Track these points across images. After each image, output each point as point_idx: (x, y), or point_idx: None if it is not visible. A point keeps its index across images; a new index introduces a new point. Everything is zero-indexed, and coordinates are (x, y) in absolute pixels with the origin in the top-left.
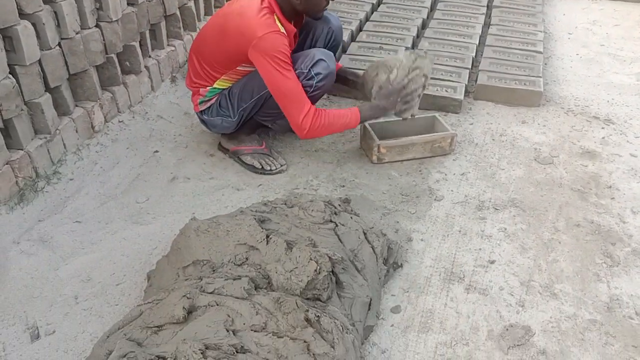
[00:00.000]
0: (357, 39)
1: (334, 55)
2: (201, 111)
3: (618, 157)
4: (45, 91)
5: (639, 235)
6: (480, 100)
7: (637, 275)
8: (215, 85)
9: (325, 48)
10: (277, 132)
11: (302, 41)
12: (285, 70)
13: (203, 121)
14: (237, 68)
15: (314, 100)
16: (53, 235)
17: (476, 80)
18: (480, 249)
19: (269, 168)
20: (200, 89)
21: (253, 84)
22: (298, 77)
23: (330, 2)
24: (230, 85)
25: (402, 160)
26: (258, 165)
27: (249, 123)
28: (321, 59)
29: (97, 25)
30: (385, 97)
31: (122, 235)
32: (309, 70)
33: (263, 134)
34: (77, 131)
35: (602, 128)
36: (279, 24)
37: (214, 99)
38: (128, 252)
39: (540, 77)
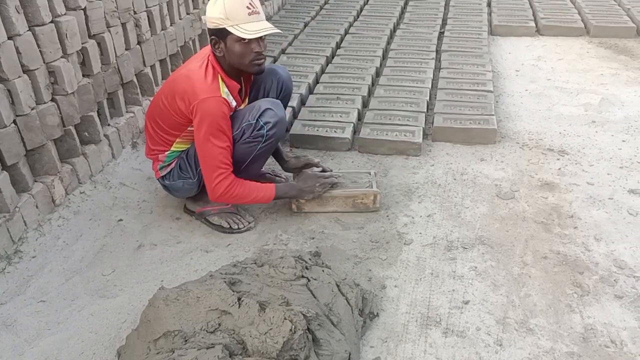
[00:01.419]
0: (314, 91)
1: (285, 104)
2: (162, 177)
3: (576, 186)
4: (1, 169)
5: (605, 263)
6: (438, 141)
7: (608, 303)
8: (172, 149)
9: (277, 98)
10: None
11: (254, 95)
12: (215, 135)
13: (165, 187)
14: (189, 129)
15: (263, 154)
16: (16, 318)
17: (433, 123)
18: (453, 290)
19: (236, 227)
20: (159, 155)
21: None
22: (246, 130)
23: (262, 54)
24: (188, 147)
25: (323, 212)
26: (226, 225)
27: None
28: (268, 108)
29: (52, 99)
30: (303, 180)
31: (89, 311)
32: (257, 120)
33: None
34: (37, 207)
35: (558, 159)
36: (221, 85)
37: (174, 163)
38: (96, 328)
39: (493, 114)
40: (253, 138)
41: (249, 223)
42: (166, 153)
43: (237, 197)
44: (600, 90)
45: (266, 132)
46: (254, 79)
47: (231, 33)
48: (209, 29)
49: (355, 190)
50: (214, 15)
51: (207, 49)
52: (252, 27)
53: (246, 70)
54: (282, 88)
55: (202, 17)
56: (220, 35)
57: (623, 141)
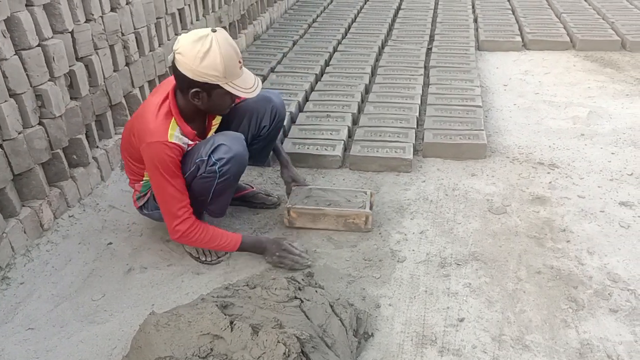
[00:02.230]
0: (304, 109)
1: (278, 130)
2: (140, 207)
3: (567, 199)
4: None
5: (599, 276)
6: (429, 157)
7: (603, 317)
8: (145, 178)
9: (270, 125)
10: (216, 217)
11: (246, 123)
12: (166, 179)
13: (146, 215)
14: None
15: (224, 189)
16: (4, 347)
17: (423, 139)
18: (448, 308)
19: (204, 259)
20: (135, 184)
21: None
22: (200, 165)
23: (234, 102)
24: None
25: (315, 229)
26: (195, 255)
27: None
28: (222, 144)
29: (40, 123)
30: (275, 243)
31: (78, 337)
32: (209, 156)
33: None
34: (25, 232)
35: (548, 173)
36: (172, 130)
37: (149, 193)
38: (86, 355)
39: (482, 129)
40: (207, 174)
41: (219, 257)
42: (141, 182)
43: (198, 242)
44: (588, 103)
45: (218, 168)
46: (244, 105)
47: (223, 89)
48: (188, 78)
49: (347, 210)
50: (207, 71)
51: (171, 82)
52: (245, 84)
53: (216, 114)
54: (276, 115)
55: (175, 54)
56: (205, 88)
57: (612, 153)
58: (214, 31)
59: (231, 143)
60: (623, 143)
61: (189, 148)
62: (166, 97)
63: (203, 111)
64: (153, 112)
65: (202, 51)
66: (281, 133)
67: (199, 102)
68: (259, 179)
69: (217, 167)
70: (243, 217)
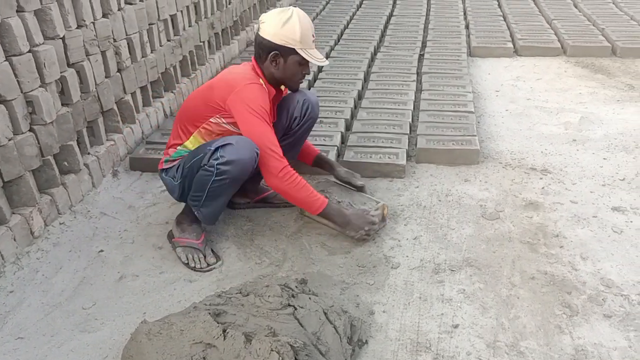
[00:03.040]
0: None
1: (308, 128)
2: (162, 169)
3: (560, 205)
4: None
5: (592, 282)
6: (422, 163)
7: (597, 323)
8: (186, 143)
9: (301, 118)
10: (204, 223)
11: (279, 113)
12: (260, 116)
13: (162, 179)
14: (210, 120)
15: (220, 192)
16: None
17: (416, 145)
18: (442, 314)
19: (193, 265)
20: (170, 149)
21: (199, 150)
22: (206, 154)
23: (309, 74)
24: (191, 148)
25: (327, 226)
26: (184, 260)
27: (190, 211)
28: (230, 144)
29: (30, 129)
30: (356, 216)
31: (69, 347)
32: (217, 149)
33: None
34: (15, 239)
35: (541, 178)
36: (262, 83)
37: (178, 161)
38: None
39: (475, 135)
40: (208, 167)
41: (209, 265)
42: (177, 148)
43: (290, 186)
44: (579, 109)
45: (217, 164)
46: (283, 97)
47: (297, 54)
48: (268, 42)
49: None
50: (286, 34)
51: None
52: (317, 55)
53: (288, 85)
54: (309, 109)
55: (260, 24)
56: (283, 52)
57: (604, 159)
58: (295, 7)
59: (241, 147)
60: (615, 148)
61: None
62: (250, 67)
63: (277, 85)
64: (244, 70)
65: (284, 18)
66: None
67: (276, 66)
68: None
69: (216, 163)
70: (275, 236)
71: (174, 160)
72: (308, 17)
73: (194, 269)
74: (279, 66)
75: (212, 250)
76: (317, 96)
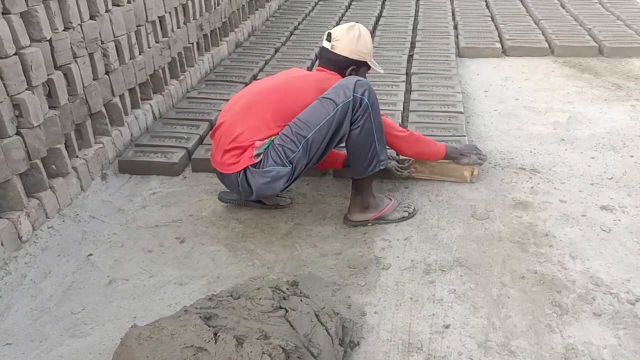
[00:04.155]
0: None
1: None
2: (255, 164)
3: (549, 204)
4: None
5: (582, 280)
6: None
7: (587, 321)
8: (270, 137)
9: None
10: (386, 163)
11: None
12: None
13: (251, 175)
14: None
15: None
16: None
17: None
18: (433, 314)
19: (412, 210)
20: (257, 142)
21: (313, 111)
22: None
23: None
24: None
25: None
26: (406, 214)
27: (364, 187)
28: (358, 80)
29: (17, 133)
30: (465, 147)
31: (58, 352)
32: (353, 95)
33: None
34: (2, 244)
35: (530, 178)
36: None
37: (266, 151)
38: None
39: (464, 135)
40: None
41: (412, 205)
42: (265, 140)
43: (422, 139)
44: (567, 109)
45: (367, 99)
46: None
47: (368, 65)
48: (345, 58)
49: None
50: (361, 49)
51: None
52: (375, 62)
53: None
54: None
55: (334, 42)
56: (358, 65)
57: (592, 158)
58: (357, 22)
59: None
60: (602, 147)
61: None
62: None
63: None
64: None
65: (356, 35)
66: None
67: None
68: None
69: (366, 99)
70: (267, 237)
71: (262, 152)
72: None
73: (413, 213)
74: None
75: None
76: None
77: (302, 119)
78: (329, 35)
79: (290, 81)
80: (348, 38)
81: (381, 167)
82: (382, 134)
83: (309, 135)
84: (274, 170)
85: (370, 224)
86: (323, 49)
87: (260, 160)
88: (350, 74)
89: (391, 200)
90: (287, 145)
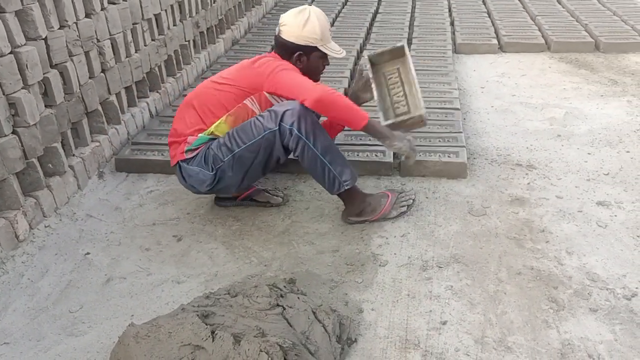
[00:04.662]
0: None
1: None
2: (184, 160)
3: (545, 200)
4: None
5: (578, 276)
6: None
7: (583, 317)
8: (211, 129)
9: None
10: (354, 181)
11: None
12: (295, 72)
13: (181, 170)
14: (245, 102)
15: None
16: None
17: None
18: (430, 311)
19: (411, 201)
20: (190, 137)
21: (247, 127)
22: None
23: (327, 65)
24: (218, 136)
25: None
26: (405, 209)
27: (351, 198)
28: (287, 110)
29: (14, 132)
30: (399, 135)
31: (56, 351)
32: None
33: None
34: None
35: (526, 174)
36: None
37: (200, 148)
38: None
39: (461, 131)
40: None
41: (409, 196)
42: (199, 135)
43: (336, 100)
44: (563, 105)
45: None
46: None
47: (320, 51)
48: (292, 44)
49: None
50: (308, 34)
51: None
52: (335, 47)
53: (312, 79)
54: None
55: (281, 27)
56: (306, 51)
57: (588, 154)
58: (310, 5)
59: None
60: (599, 143)
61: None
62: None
63: None
64: (274, 56)
65: (303, 19)
66: None
67: (301, 65)
68: (262, 179)
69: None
70: (264, 236)
71: (196, 149)
72: (323, 13)
73: (409, 206)
74: (303, 64)
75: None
76: None
77: (238, 131)
78: (281, 18)
79: (230, 69)
80: (294, 23)
81: (346, 187)
82: (335, 155)
83: (237, 151)
84: (200, 172)
85: (368, 222)
86: (276, 34)
87: (193, 157)
88: (299, 60)
89: (389, 196)
90: (217, 153)
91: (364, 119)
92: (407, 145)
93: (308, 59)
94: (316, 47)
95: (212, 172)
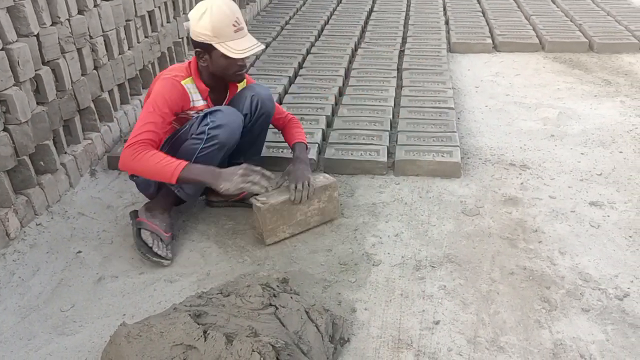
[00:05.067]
0: None
1: (264, 122)
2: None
3: (538, 200)
4: None
5: (571, 276)
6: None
7: (576, 317)
8: None
9: (252, 116)
10: (187, 199)
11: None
12: (153, 108)
13: (134, 181)
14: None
15: (211, 156)
16: None
17: (397, 141)
18: (423, 311)
19: (156, 250)
20: None
21: (177, 131)
22: (195, 122)
23: (244, 66)
24: None
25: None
26: (150, 243)
27: (166, 197)
28: (219, 110)
29: (5, 129)
30: (228, 169)
31: (46, 350)
32: (205, 116)
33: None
34: None
35: (520, 174)
36: (187, 82)
37: None
38: None
39: (455, 131)
40: (197, 135)
41: (166, 258)
42: None
43: (140, 157)
44: (557, 105)
45: (208, 129)
46: (234, 91)
47: (218, 50)
48: (192, 40)
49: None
50: (200, 30)
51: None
52: (239, 46)
53: (228, 79)
54: (257, 104)
55: (185, 23)
56: (204, 48)
57: (582, 154)
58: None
59: (228, 113)
60: (592, 143)
61: (196, 113)
62: (189, 62)
63: (220, 78)
64: (179, 65)
65: (199, 14)
66: None
67: (204, 63)
68: None
69: (207, 128)
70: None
71: None
72: (226, 7)
73: (151, 253)
74: (207, 62)
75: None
76: (297, 93)
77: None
78: None
79: None
80: (192, 17)
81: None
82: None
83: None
84: (142, 179)
85: (131, 223)
86: None
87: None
88: (201, 59)
89: (166, 233)
90: None
91: (174, 174)
92: (237, 182)
93: (210, 57)
94: (212, 44)
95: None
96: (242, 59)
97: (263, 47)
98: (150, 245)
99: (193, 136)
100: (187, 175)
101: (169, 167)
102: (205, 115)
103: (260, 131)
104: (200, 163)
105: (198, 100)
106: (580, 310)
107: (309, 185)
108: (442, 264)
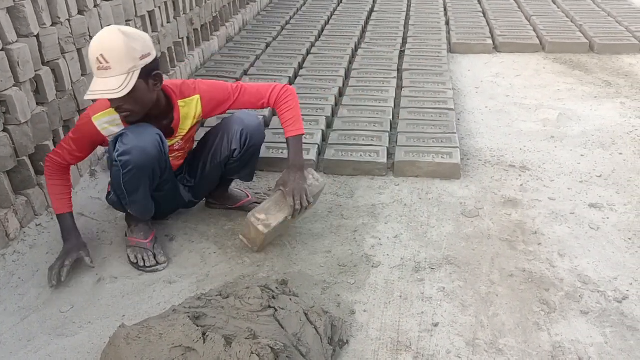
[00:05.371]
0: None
1: (254, 151)
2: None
3: (538, 202)
4: None
5: (570, 278)
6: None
7: (574, 319)
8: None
9: (242, 149)
10: (142, 217)
11: (219, 142)
12: (71, 134)
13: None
14: None
15: (134, 183)
16: None
17: (396, 142)
18: (422, 313)
19: (142, 264)
20: None
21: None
22: (110, 149)
23: (121, 108)
24: None
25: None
26: (133, 260)
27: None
28: (125, 133)
29: (4, 130)
30: (71, 249)
31: (46, 352)
32: (115, 141)
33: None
34: None
35: (519, 175)
36: (106, 114)
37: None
38: None
39: (455, 132)
40: (114, 162)
41: (158, 264)
42: None
43: (46, 180)
44: (557, 106)
45: (117, 156)
46: (221, 122)
47: None
48: None
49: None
50: None
51: None
52: (93, 87)
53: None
54: (247, 139)
55: None
56: None
57: (582, 155)
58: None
59: (138, 132)
60: (592, 145)
61: None
62: None
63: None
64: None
65: None
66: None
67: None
68: (258, 185)
69: (115, 155)
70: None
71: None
72: (97, 39)
73: (143, 268)
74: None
75: (162, 249)
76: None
77: None
78: None
79: None
80: None
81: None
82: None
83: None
84: (111, 198)
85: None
86: None
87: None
88: None
89: (145, 240)
90: None
91: (55, 211)
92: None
93: None
94: None
95: (114, 195)
96: (116, 102)
97: (116, 96)
98: (135, 261)
99: (113, 163)
100: (60, 224)
101: (54, 205)
102: (115, 141)
103: (251, 157)
104: (130, 190)
105: (108, 130)
106: (579, 313)
107: (307, 200)
108: (442, 266)
